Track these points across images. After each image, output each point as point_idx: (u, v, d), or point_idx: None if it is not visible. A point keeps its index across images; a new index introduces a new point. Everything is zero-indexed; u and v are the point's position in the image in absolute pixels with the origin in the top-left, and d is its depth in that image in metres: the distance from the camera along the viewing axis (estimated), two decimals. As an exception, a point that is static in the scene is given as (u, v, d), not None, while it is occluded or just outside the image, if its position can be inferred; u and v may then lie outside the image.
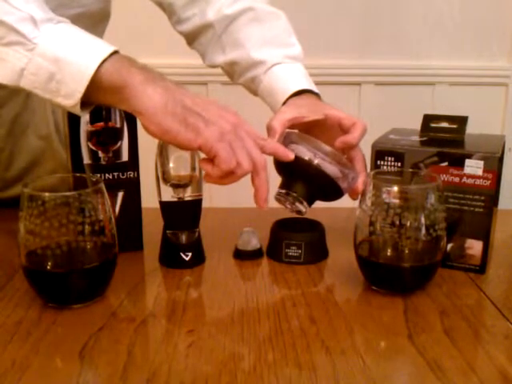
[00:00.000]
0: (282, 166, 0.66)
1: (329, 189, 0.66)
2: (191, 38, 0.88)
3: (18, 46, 0.55)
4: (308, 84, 0.79)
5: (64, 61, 0.55)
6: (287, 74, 0.81)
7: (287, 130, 0.69)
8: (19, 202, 0.58)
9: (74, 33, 0.57)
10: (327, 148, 0.65)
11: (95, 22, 0.85)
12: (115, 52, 0.57)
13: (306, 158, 0.65)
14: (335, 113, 0.72)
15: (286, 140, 0.67)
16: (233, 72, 0.86)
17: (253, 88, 0.85)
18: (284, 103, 0.76)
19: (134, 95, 0.56)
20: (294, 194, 0.66)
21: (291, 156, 0.63)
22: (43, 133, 0.93)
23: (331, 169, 0.65)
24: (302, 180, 0.66)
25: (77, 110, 0.57)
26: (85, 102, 0.57)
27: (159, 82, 0.57)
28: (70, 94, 0.56)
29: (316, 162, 0.64)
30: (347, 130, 0.71)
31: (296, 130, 0.69)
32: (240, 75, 0.85)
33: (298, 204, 0.66)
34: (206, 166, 0.59)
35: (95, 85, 0.55)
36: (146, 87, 0.56)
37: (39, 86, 0.56)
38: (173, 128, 0.56)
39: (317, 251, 0.74)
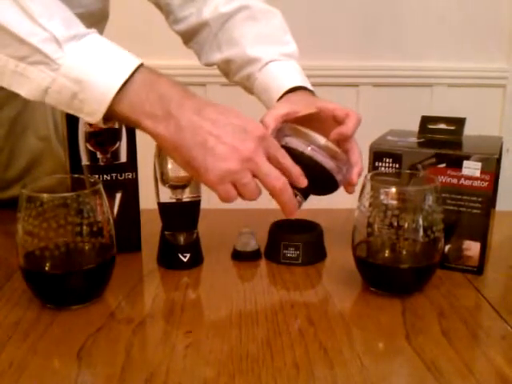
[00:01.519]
0: None
1: (323, 180, 0.65)
2: (188, 37, 0.88)
3: (42, 65, 0.55)
4: (302, 81, 0.79)
5: (86, 82, 0.55)
6: (282, 71, 0.81)
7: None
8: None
9: (97, 49, 0.57)
10: (321, 140, 0.64)
11: (94, 22, 0.85)
12: (139, 67, 0.56)
13: (300, 149, 0.64)
14: (328, 105, 0.72)
15: (280, 133, 0.67)
16: (228, 70, 0.86)
17: (248, 86, 0.85)
18: (278, 100, 0.76)
19: (147, 131, 0.57)
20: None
21: (304, 183, 0.62)
22: (42, 133, 0.93)
23: (325, 160, 0.64)
24: None
25: (100, 124, 0.58)
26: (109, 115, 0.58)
27: (171, 120, 0.56)
28: (92, 113, 0.56)
29: (309, 153, 0.63)
30: (341, 122, 0.70)
31: (290, 123, 0.68)
32: (235, 73, 0.85)
33: None
34: None
35: (113, 109, 0.56)
36: (157, 126, 0.56)
37: (63, 102, 0.57)
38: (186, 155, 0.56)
39: (315, 252, 0.74)
